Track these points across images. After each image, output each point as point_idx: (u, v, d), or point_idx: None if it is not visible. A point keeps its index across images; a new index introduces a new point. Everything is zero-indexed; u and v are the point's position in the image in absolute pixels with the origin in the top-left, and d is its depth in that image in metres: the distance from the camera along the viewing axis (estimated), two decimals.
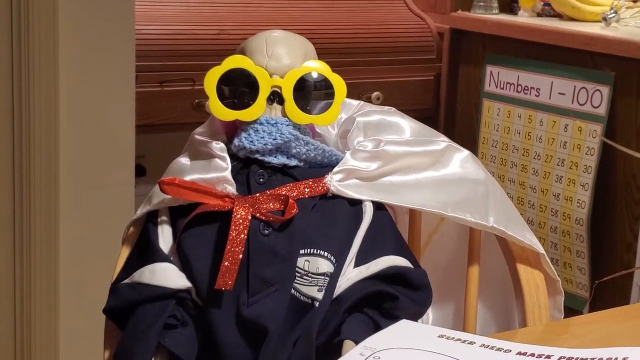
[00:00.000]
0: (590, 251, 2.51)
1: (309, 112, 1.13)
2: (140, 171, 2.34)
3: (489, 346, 0.79)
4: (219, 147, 1.13)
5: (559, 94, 2.57)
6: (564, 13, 2.75)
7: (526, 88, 2.69)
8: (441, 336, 0.81)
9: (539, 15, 2.82)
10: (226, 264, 1.04)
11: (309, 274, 1.07)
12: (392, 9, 3.00)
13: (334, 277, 1.07)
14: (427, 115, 2.16)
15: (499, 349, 0.78)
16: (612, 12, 2.66)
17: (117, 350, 1.08)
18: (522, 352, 0.77)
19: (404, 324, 0.85)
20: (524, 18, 2.83)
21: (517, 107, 2.71)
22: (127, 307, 1.08)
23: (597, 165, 2.46)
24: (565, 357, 0.75)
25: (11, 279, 2.23)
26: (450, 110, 2.95)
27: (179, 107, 2.50)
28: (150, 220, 1.15)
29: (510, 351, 0.77)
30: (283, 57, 1.13)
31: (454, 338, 0.81)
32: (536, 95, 2.64)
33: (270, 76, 1.11)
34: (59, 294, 2.24)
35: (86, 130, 2.20)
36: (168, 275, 1.06)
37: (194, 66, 2.48)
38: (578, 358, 0.74)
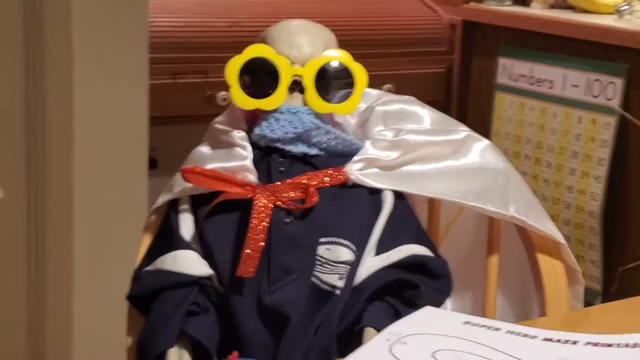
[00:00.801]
0: (603, 244, 2.51)
1: (329, 101, 1.14)
2: (151, 163, 2.34)
3: (514, 332, 0.79)
4: (239, 135, 1.13)
5: (572, 85, 2.57)
6: (577, 5, 2.74)
7: (539, 80, 2.68)
8: (466, 322, 0.82)
9: (552, 6, 2.81)
10: (247, 251, 1.04)
11: (329, 262, 1.07)
12: (406, 1, 3.00)
13: (354, 265, 1.07)
14: (438, 108, 2.20)
15: (525, 335, 0.78)
16: (625, 4, 2.66)
17: (139, 336, 1.09)
18: (548, 338, 0.77)
19: (427, 311, 0.85)
20: (536, 9, 2.82)
21: (530, 99, 2.70)
22: (149, 293, 1.08)
23: (610, 158, 2.45)
24: (591, 343, 0.75)
25: (25, 269, 2.24)
26: (462, 103, 2.95)
27: (191, 99, 2.50)
28: (171, 208, 1.15)
29: (537, 337, 0.78)
30: (304, 45, 1.13)
31: (479, 324, 0.81)
32: (549, 87, 2.64)
33: (291, 65, 1.11)
34: (73, 283, 2.25)
35: (100, 122, 2.21)
36: (190, 263, 1.07)
37: (206, 58, 2.48)
38: (603, 343, 0.75)
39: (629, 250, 2.48)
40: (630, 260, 2.45)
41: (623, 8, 2.66)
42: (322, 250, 1.07)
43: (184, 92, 2.50)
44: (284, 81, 1.11)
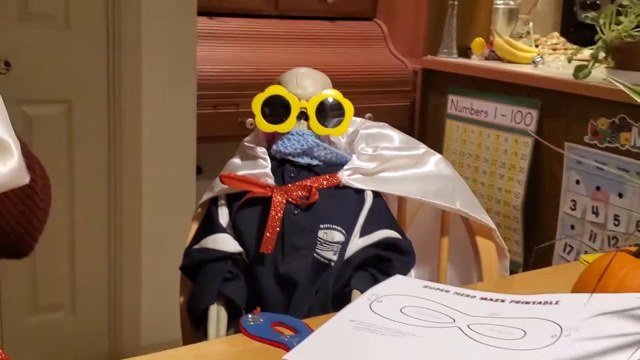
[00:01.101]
0: (523, 229, 2.52)
1: (326, 126, 1.14)
2: (198, 170, 2.35)
3: (459, 293, 0.80)
4: (262, 150, 1.14)
5: (501, 115, 2.57)
6: (504, 57, 2.74)
7: (477, 111, 2.69)
8: (425, 286, 0.82)
9: (487, 58, 2.81)
10: (267, 234, 1.05)
11: (326, 242, 1.08)
12: (381, 54, 3.00)
13: (345, 244, 1.08)
14: (404, 131, 2.16)
15: (467, 295, 0.79)
16: (539, 57, 2.67)
17: (189, 296, 1.10)
18: (483, 297, 0.78)
19: (397, 278, 0.85)
20: (475, 60, 2.81)
21: (471, 125, 2.70)
22: (196, 265, 1.09)
23: (528, 167, 2.46)
24: (514, 301, 0.76)
25: (106, 248, 2.24)
26: (422, 127, 2.94)
27: (227, 125, 2.50)
28: (212, 203, 1.15)
29: (475, 297, 0.78)
30: (308, 86, 1.14)
31: (434, 288, 0.81)
32: (484, 116, 2.64)
33: (299, 100, 1.12)
34: (142, 258, 2.25)
35: (161, 140, 2.21)
36: (226, 242, 1.08)
37: (237, 95, 2.48)
38: (523, 301, 0.75)
39: (542, 233, 2.49)
40: (544, 241, 2.46)
41: (537, 60, 2.67)
42: (321, 233, 1.08)
43: (221, 119, 2.50)
44: (294, 112, 1.11)
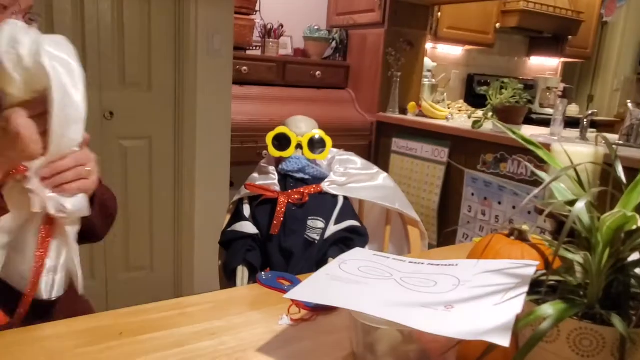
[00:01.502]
0: (437, 223, 2.53)
1: (314, 153, 1.15)
2: (230, 184, 2.34)
3: (397, 259, 0.79)
4: (272, 168, 1.14)
5: (425, 151, 2.59)
6: (428, 115, 2.77)
7: (410, 149, 2.70)
8: (374, 255, 0.82)
9: (417, 115, 2.80)
10: (274, 222, 1.06)
11: (312, 228, 1.08)
12: (350, 111, 3.00)
13: (324, 229, 1.09)
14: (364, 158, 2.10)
15: (400, 260, 0.79)
16: (450, 115, 2.69)
17: (224, 261, 1.10)
18: (411, 262, 0.78)
19: (357, 250, 0.85)
20: (410, 116, 2.81)
21: (406, 157, 2.71)
22: (229, 241, 1.09)
23: (442, 184, 2.48)
24: (430, 264, 0.76)
25: (172, 233, 2.23)
26: (375, 158, 2.93)
27: (250, 154, 2.50)
28: (239, 202, 1.15)
29: (405, 261, 0.78)
30: (302, 127, 1.15)
31: (380, 255, 0.81)
32: (415, 152, 2.65)
33: (297, 136, 1.13)
34: (195, 234, 2.23)
35: (209, 165, 2.21)
36: (248, 227, 1.08)
37: (256, 135, 2.48)
38: (435, 264, 0.75)
39: (449, 226, 2.49)
40: (449, 227, 2.47)
41: (449, 117, 2.69)
42: (309, 222, 1.08)
43: (246, 151, 2.50)
44: (293, 143, 1.12)
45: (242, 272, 1.05)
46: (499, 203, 2.22)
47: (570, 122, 2.93)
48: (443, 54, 3.84)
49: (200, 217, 2.22)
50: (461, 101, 3.35)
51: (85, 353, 0.64)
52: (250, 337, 0.70)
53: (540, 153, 0.67)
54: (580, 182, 0.63)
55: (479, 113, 2.51)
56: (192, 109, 2.13)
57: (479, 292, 0.63)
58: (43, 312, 0.75)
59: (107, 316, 0.74)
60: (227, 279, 1.07)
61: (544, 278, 0.62)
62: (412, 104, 2.89)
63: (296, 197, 1.09)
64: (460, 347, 0.64)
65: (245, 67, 2.69)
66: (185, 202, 2.20)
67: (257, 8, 2.84)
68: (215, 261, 1.22)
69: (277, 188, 1.10)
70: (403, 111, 2.92)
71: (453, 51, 3.89)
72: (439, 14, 3.32)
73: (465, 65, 4.02)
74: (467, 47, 3.77)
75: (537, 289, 0.62)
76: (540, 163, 0.68)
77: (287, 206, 1.07)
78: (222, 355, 0.61)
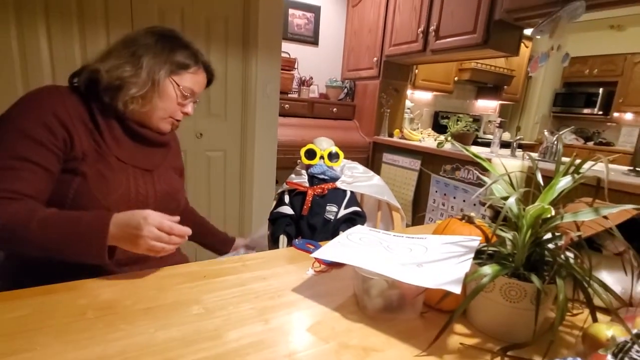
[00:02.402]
0: (412, 210, 2.48)
1: (332, 162, 1.13)
2: (276, 181, 2.33)
3: (385, 233, 0.78)
4: (303, 172, 1.12)
5: (405, 162, 2.54)
6: (408, 138, 2.73)
7: (395, 160, 2.66)
8: (370, 230, 0.81)
9: (400, 138, 2.77)
10: (305, 207, 1.04)
11: (329, 211, 1.06)
12: (355, 135, 2.97)
13: (337, 212, 1.06)
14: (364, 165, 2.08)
15: (387, 234, 0.78)
16: (422, 138, 2.65)
17: (271, 231, 1.08)
18: (395, 235, 0.77)
19: (358, 227, 0.84)
20: (395, 138, 2.77)
21: (393, 167, 2.67)
22: (274, 218, 1.07)
23: (415, 185, 2.44)
24: (407, 236, 0.74)
25: (237, 214, 2.23)
26: (372, 166, 2.90)
27: (289, 162, 2.49)
28: (282, 193, 1.13)
29: (390, 234, 0.77)
30: (324, 145, 1.13)
31: (374, 230, 0.80)
32: (398, 163, 2.62)
33: (320, 151, 1.12)
34: (252, 216, 2.24)
35: (263, 169, 2.20)
36: (287, 210, 1.06)
37: (294, 149, 2.49)
38: (410, 237, 0.74)
39: (418, 211, 2.44)
40: (419, 213, 2.43)
41: (421, 139, 2.64)
42: (327, 207, 1.06)
43: (286, 160, 2.50)
44: (318, 155, 1.11)
45: (283, 239, 1.04)
46: (454, 198, 2.18)
47: (504, 144, 2.86)
48: (418, 97, 3.80)
49: (256, 203, 2.22)
50: (430, 129, 3.30)
51: (182, 288, 0.65)
52: (287, 282, 0.70)
53: (485, 164, 0.65)
54: (512, 184, 0.61)
55: (442, 137, 2.47)
56: (252, 132, 2.13)
57: (441, 256, 0.62)
58: (160, 260, 0.75)
59: (196, 265, 0.75)
60: (273, 244, 1.07)
61: (484, 249, 0.61)
62: (397, 130, 2.85)
63: (319, 190, 1.08)
64: (426, 293, 0.63)
65: (287, 105, 2.69)
66: (247, 193, 2.19)
67: (295, 66, 2.86)
68: (265, 231, 1.22)
69: (307, 184, 1.09)
70: (391, 135, 2.89)
71: (425, 96, 3.84)
72: (416, 70, 3.30)
73: (433, 105, 3.97)
74: (435, 92, 3.72)
75: (480, 256, 0.60)
76: (483, 171, 0.66)
77: (313, 197, 1.06)
78: (269, 292, 0.61)
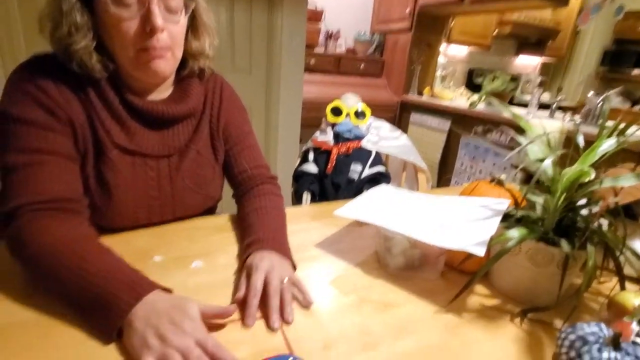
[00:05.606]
0: (438, 172, 2.45)
1: (358, 119, 1.11)
2: (300, 140, 2.30)
3: (410, 192, 0.78)
4: (328, 129, 1.11)
5: (434, 123, 2.48)
6: (438, 97, 2.63)
7: (421, 120, 2.59)
8: (395, 189, 0.80)
9: (430, 97, 2.67)
10: (329, 165, 1.05)
11: (354, 170, 1.06)
12: (384, 93, 2.88)
13: (361, 172, 1.06)
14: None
15: (411, 193, 0.77)
16: (454, 97, 2.55)
17: (295, 188, 1.10)
18: (419, 196, 0.76)
19: (383, 186, 0.84)
20: (425, 98, 2.69)
21: (422, 128, 2.61)
22: (299, 176, 1.09)
23: (443, 146, 2.38)
24: (433, 198, 0.74)
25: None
26: (399, 124, 2.83)
27: (313, 120, 2.46)
28: (306, 151, 1.14)
29: (414, 194, 0.76)
30: (350, 102, 1.11)
31: (400, 190, 0.80)
32: (426, 123, 2.55)
33: (346, 108, 1.10)
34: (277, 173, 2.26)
35: (288, 127, 2.17)
36: (311, 167, 1.07)
37: (319, 105, 2.44)
38: (435, 198, 0.73)
39: (447, 175, 2.41)
40: (446, 176, 2.39)
41: (453, 99, 2.54)
42: (352, 166, 1.06)
43: (311, 118, 2.47)
44: (344, 113, 1.09)
45: (306, 196, 1.06)
46: (483, 161, 2.11)
47: (543, 106, 2.70)
48: (451, 53, 3.57)
49: (280, 160, 2.23)
50: (462, 88, 3.14)
51: (211, 239, 0.68)
52: (311, 237, 0.72)
53: (522, 123, 0.62)
54: (549, 145, 0.58)
55: (475, 96, 2.35)
56: (277, 88, 2.09)
57: (466, 217, 0.61)
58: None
59: (222, 218, 0.78)
60: (297, 200, 1.09)
61: (513, 212, 0.59)
62: (427, 88, 2.74)
63: (344, 149, 1.07)
64: (448, 254, 0.63)
65: (312, 60, 2.62)
66: (271, 151, 2.20)
67: (322, 18, 2.73)
68: (289, 187, 1.24)
69: (332, 143, 1.09)
70: (420, 93, 2.78)
71: (459, 51, 3.61)
72: (452, 23, 3.07)
73: (467, 62, 3.73)
74: (471, 47, 3.48)
75: (508, 219, 0.59)
76: (519, 134, 0.63)
77: (337, 155, 1.06)
78: (293, 247, 0.63)
